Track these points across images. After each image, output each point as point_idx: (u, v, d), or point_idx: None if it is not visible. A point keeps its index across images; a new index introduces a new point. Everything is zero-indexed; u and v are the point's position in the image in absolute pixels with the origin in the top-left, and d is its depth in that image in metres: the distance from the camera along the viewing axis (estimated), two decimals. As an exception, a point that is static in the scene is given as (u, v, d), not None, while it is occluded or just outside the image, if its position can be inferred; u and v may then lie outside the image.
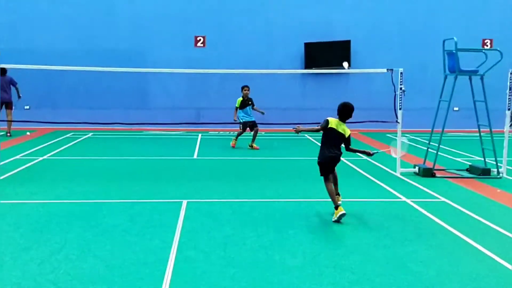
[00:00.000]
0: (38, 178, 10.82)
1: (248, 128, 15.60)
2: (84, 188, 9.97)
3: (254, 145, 15.47)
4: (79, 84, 21.07)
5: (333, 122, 8.00)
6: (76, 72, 19.36)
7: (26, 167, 12.03)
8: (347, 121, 8.15)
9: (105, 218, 7.86)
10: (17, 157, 13.37)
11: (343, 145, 8.18)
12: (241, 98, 15.53)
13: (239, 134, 15.83)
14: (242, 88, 15.68)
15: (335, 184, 8.24)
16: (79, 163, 13.07)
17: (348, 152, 8.40)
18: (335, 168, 8.26)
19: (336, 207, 7.74)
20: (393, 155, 9.79)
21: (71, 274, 5.65)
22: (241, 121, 15.51)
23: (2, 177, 10.78)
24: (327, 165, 8.06)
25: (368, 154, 8.31)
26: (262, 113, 15.73)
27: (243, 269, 5.89)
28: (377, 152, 8.58)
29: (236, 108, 15.56)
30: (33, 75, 20.41)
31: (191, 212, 8.23)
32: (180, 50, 21.46)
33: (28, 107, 21.00)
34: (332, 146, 7.98)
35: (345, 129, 8.02)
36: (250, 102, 15.53)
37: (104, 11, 21.49)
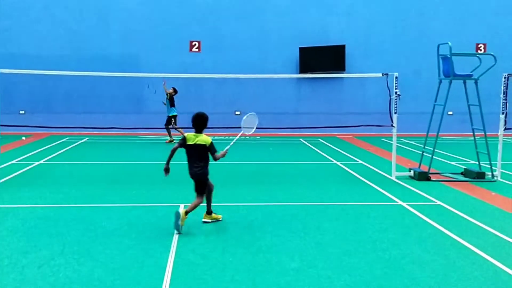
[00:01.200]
0: (35, 183, 10.83)
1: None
2: (81, 192, 9.99)
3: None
4: (74, 89, 21.07)
5: (190, 137, 7.63)
6: (71, 77, 19.41)
7: (22, 172, 12.03)
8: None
9: (103, 222, 7.89)
10: (13, 161, 13.37)
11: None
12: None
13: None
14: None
15: (208, 193, 7.96)
16: (75, 167, 13.08)
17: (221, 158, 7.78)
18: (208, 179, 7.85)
19: (185, 212, 7.49)
20: (247, 134, 8.72)
21: (70, 277, 5.68)
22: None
23: (-2, 182, 10.79)
24: (195, 182, 7.77)
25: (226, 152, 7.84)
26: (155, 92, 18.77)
27: (241, 272, 5.94)
28: (229, 145, 7.97)
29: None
30: (28, 80, 20.44)
31: (188, 216, 8.24)
32: (175, 55, 21.52)
33: (23, 111, 21.01)
34: (196, 161, 7.65)
35: (204, 139, 7.61)
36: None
37: (98, 16, 21.53)
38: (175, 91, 18.22)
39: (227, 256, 6.44)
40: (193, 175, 7.73)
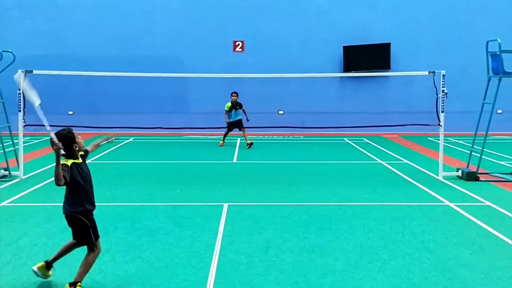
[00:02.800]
0: (83, 182, 11.03)
1: (237, 128, 16.97)
2: (127, 191, 10.16)
3: (248, 141, 16.61)
4: (120, 89, 21.44)
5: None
6: (116, 78, 19.73)
7: (70, 171, 12.29)
8: None
9: (149, 220, 8.00)
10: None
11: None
12: (229, 103, 16.95)
13: (225, 134, 17.29)
14: (231, 94, 17.06)
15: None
16: (121, 166, 13.32)
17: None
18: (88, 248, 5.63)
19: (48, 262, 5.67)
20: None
21: (117, 275, 5.78)
22: (228, 121, 16.96)
23: (48, 181, 11.07)
24: None
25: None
26: (247, 120, 17.03)
27: (285, 272, 5.91)
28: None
29: (226, 111, 17.05)
30: (76, 81, 20.92)
31: (232, 216, 8.29)
32: (219, 55, 21.65)
33: (71, 112, 21.51)
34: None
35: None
36: (238, 107, 16.92)
37: (143, 18, 21.88)
38: (237, 95, 17.15)
39: (270, 256, 6.43)
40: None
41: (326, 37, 21.75)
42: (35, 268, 5.63)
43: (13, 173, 11.33)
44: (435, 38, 21.70)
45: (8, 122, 11.64)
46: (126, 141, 18.51)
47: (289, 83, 20.92)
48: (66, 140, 5.56)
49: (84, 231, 5.42)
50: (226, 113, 17.06)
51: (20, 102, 11.29)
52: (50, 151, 15.11)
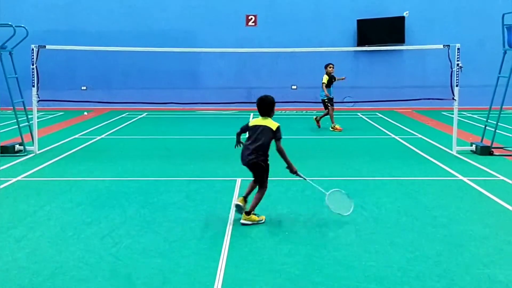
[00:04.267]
0: (97, 157, 11.15)
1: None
2: (141, 166, 10.23)
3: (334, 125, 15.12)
4: (133, 65, 21.46)
5: (253, 120, 6.89)
6: (129, 53, 19.74)
7: (84, 146, 12.41)
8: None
9: (162, 195, 8.06)
10: (76, 136, 13.81)
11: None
12: (326, 76, 15.23)
13: (330, 113, 15.19)
14: (327, 66, 15.41)
15: (255, 197, 6.83)
16: (135, 142, 13.39)
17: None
18: (262, 186, 6.89)
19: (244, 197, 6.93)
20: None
21: (131, 248, 5.84)
22: (331, 96, 15.21)
23: (62, 156, 11.17)
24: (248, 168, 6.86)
25: (291, 171, 6.94)
26: (343, 78, 15.80)
27: (297, 245, 5.95)
28: (303, 177, 7.07)
29: (324, 84, 15.15)
30: (88, 56, 20.94)
31: (245, 190, 8.30)
32: (232, 30, 21.52)
33: (85, 87, 21.59)
34: (250, 145, 6.73)
35: (271, 123, 6.76)
36: (333, 80, 15.34)
37: (156, -8, 21.74)
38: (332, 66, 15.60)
39: (283, 230, 6.46)
40: (244, 161, 6.80)
41: (339, 11, 21.52)
42: (237, 202, 6.86)
43: (27, 148, 11.43)
44: (450, 11, 21.39)
45: (22, 98, 11.71)
46: (140, 117, 18.57)
47: (302, 57, 20.77)
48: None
49: (263, 174, 6.84)
50: (325, 87, 15.10)
51: (34, 77, 11.33)
52: (64, 126, 15.25)
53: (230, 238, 6.17)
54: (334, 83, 15.38)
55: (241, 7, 21.65)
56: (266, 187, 6.91)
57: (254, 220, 6.67)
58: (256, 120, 6.87)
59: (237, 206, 6.86)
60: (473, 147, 11.52)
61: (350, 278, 5.08)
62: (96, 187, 8.56)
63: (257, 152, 6.71)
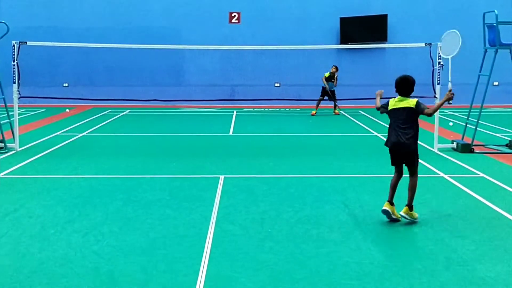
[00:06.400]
0: (79, 154, 11.08)
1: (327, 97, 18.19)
2: (123, 163, 10.19)
3: (337, 110, 18.48)
4: (116, 61, 21.33)
5: (392, 102, 6.84)
6: (112, 50, 19.61)
7: (66, 143, 12.32)
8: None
9: (145, 193, 8.04)
10: (58, 133, 13.70)
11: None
12: (328, 73, 18.19)
13: (318, 102, 18.15)
14: (333, 66, 18.39)
15: (409, 189, 6.78)
16: (118, 139, 13.33)
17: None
18: (414, 172, 6.82)
19: (390, 202, 6.72)
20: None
21: (114, 246, 5.83)
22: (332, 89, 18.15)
23: (44, 153, 11.08)
24: (393, 153, 6.87)
25: (449, 99, 7.07)
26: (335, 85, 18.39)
27: (280, 243, 5.97)
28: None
29: (325, 77, 18.15)
30: (71, 53, 20.78)
31: (228, 188, 8.34)
32: (215, 27, 21.49)
33: (66, 84, 21.43)
34: (396, 127, 6.72)
35: (409, 101, 6.69)
36: (333, 80, 18.15)
37: (139, -12, 21.62)
38: (337, 69, 18.42)
39: (266, 227, 6.49)
40: (390, 143, 6.79)
41: (323, 8, 21.58)
42: (384, 208, 6.65)
43: (8, 145, 11.32)
44: (432, 10, 21.55)
45: (3, 94, 11.59)
46: (122, 114, 18.48)
47: (286, 55, 20.80)
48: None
49: (414, 156, 6.73)
50: (325, 79, 18.07)
51: (15, 74, 11.22)
52: (46, 123, 15.17)
53: (213, 235, 6.18)
54: (332, 82, 18.12)
55: (224, 4, 21.62)
56: (417, 173, 6.79)
57: (413, 218, 6.61)
58: (394, 103, 6.78)
59: (385, 212, 6.64)
60: (454, 145, 11.64)
61: (332, 274, 5.12)
62: (78, 184, 8.51)
63: (407, 134, 6.62)
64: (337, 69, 18.37)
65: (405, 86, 6.78)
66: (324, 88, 18.19)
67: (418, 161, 6.82)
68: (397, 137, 6.67)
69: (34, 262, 5.34)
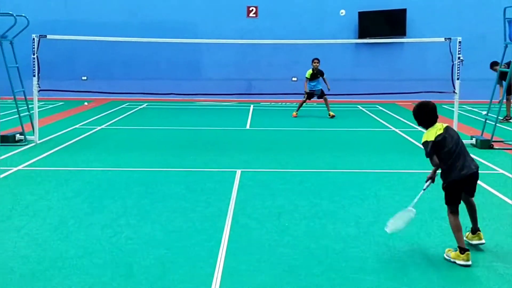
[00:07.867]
0: (97, 147, 11.17)
1: (316, 98, 16.26)
2: (141, 156, 10.25)
3: (331, 113, 15.99)
4: (134, 55, 21.43)
5: (432, 134, 5.78)
6: (130, 44, 19.72)
7: (85, 136, 12.41)
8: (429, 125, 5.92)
9: (162, 186, 8.08)
10: (76, 126, 13.81)
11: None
12: (310, 70, 16.06)
13: (301, 104, 16.32)
14: (312, 60, 16.13)
15: (472, 212, 5.84)
16: (135, 132, 13.40)
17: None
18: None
19: (461, 250, 5.34)
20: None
21: (132, 238, 5.87)
22: (308, 90, 16.02)
23: (63, 146, 11.18)
24: (465, 184, 5.72)
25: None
26: (328, 88, 16.02)
27: (297, 237, 5.97)
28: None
29: (307, 79, 16.10)
30: (89, 46, 20.90)
31: (245, 182, 8.35)
32: (232, 21, 21.48)
33: (85, 78, 21.57)
34: (463, 153, 5.71)
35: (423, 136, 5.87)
36: (319, 75, 16.02)
37: (157, -18, 21.67)
38: (319, 61, 16.07)
39: (282, 222, 6.49)
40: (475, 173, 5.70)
41: (341, 3, 21.46)
42: (472, 242, 5.72)
43: (28, 137, 11.45)
44: (451, 4, 21.33)
45: (23, 87, 11.70)
46: (140, 107, 18.57)
47: (303, 49, 20.72)
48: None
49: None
50: (306, 81, 15.99)
51: (35, 67, 11.32)
52: (64, 116, 15.28)
53: (230, 229, 6.19)
54: (320, 78, 16.07)
55: (242, -1, 21.60)
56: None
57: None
58: (438, 130, 5.75)
59: (474, 246, 5.73)
60: (473, 141, 11.53)
61: (349, 269, 5.10)
62: (96, 177, 8.58)
63: (471, 159, 5.78)
64: (319, 61, 15.96)
65: (419, 116, 5.87)
66: (308, 92, 15.92)
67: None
68: (470, 163, 5.66)
69: (54, 254, 5.40)
